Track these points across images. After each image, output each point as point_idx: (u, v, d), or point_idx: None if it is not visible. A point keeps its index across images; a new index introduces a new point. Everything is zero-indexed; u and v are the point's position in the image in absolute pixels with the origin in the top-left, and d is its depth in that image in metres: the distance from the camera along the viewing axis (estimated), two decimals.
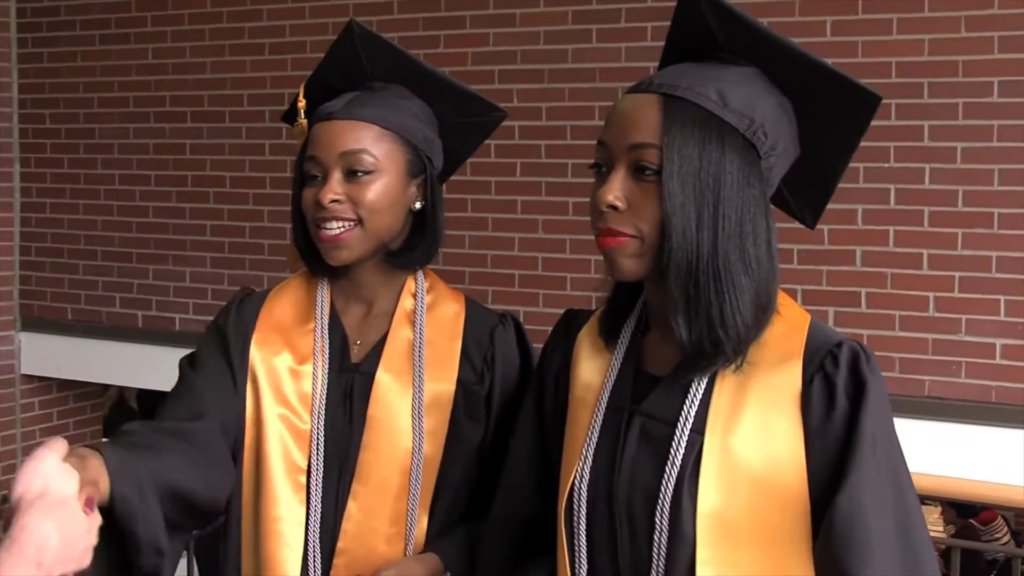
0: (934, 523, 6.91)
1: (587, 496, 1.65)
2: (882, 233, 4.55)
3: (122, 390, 8.58)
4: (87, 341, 6.37)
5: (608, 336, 1.75)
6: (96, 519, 1.51)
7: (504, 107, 2.20)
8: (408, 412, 2.02)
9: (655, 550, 1.58)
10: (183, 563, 5.81)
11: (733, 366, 1.58)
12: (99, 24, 6.21)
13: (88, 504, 1.50)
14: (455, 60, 5.14)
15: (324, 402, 2.03)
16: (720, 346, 1.56)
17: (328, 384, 2.04)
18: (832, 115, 1.66)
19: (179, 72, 6.00)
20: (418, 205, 2.06)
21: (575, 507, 1.66)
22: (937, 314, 4.50)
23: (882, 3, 4.51)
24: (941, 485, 4.38)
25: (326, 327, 2.08)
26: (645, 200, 1.55)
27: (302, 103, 2.10)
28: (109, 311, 6.29)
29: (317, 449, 2.01)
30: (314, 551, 1.98)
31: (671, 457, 1.58)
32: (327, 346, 2.06)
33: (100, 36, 6.21)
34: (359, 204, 1.97)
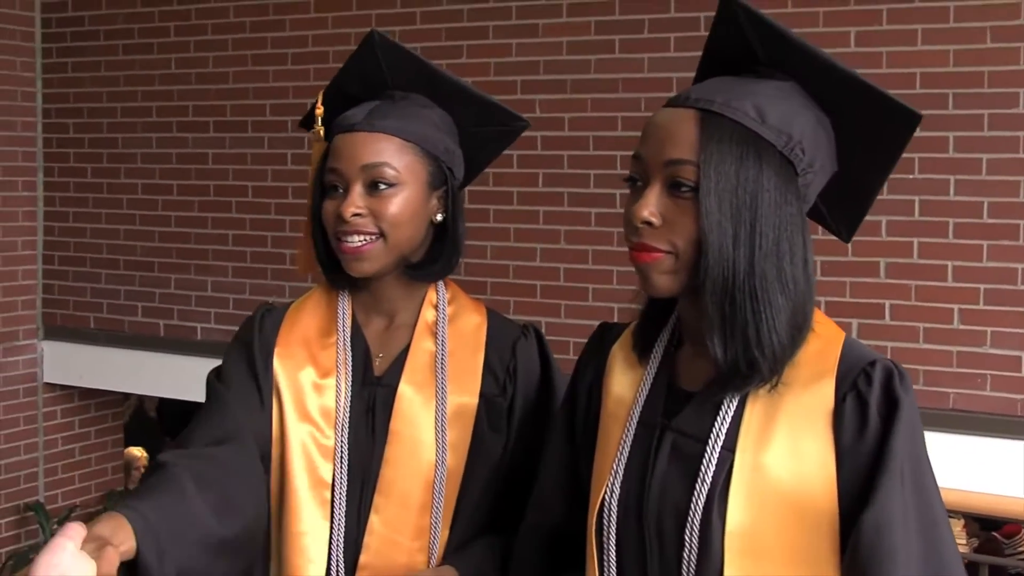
0: (956, 536, 6.85)
1: (617, 511, 1.64)
2: (906, 245, 4.52)
3: (142, 399, 8.60)
4: (109, 350, 6.38)
5: (641, 350, 1.74)
6: None
7: (526, 117, 2.19)
8: (431, 425, 2.01)
9: (684, 567, 1.56)
10: None
11: (768, 386, 1.56)
12: (123, 34, 6.23)
13: None
14: (478, 70, 5.14)
15: (347, 416, 2.02)
16: (756, 366, 1.54)
17: (351, 398, 2.03)
18: (871, 132, 1.64)
19: (202, 82, 6.01)
20: (439, 217, 2.05)
21: (605, 522, 1.65)
22: (962, 326, 4.46)
23: (907, 14, 4.48)
24: (966, 499, 4.34)
25: (348, 340, 2.07)
26: (681, 216, 1.54)
27: (320, 110, 2.09)
28: (131, 320, 6.30)
29: (340, 463, 2.00)
30: (337, 566, 1.97)
31: (701, 474, 1.57)
32: (350, 359, 2.05)
33: (124, 46, 6.23)
34: (381, 218, 1.96)
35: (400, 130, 2.00)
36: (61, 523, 6.51)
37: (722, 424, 1.58)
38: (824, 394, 1.56)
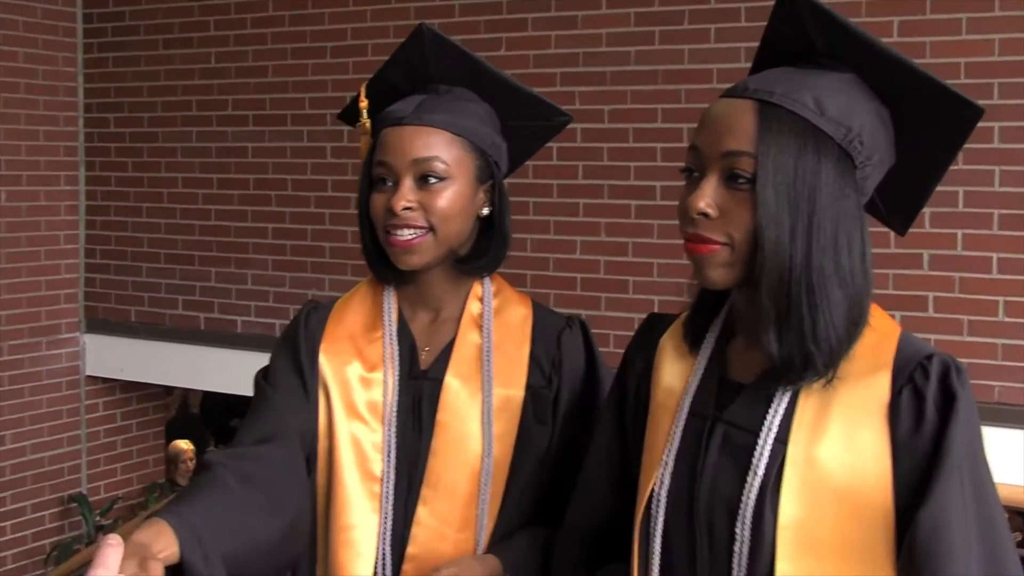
0: None
1: (666, 503, 1.63)
2: (950, 236, 4.48)
3: (186, 396, 8.66)
4: (150, 343, 6.44)
5: (692, 341, 1.72)
6: None
7: (565, 109, 2.17)
8: (477, 417, 2.00)
9: (735, 560, 1.55)
10: None
11: (823, 380, 1.54)
12: (163, 29, 6.26)
13: None
14: (517, 63, 5.13)
15: (395, 410, 2.02)
16: (811, 360, 1.52)
17: (398, 392, 2.03)
18: (932, 126, 1.61)
19: (241, 76, 6.04)
20: (485, 211, 2.05)
21: (653, 513, 1.64)
22: (1007, 319, 4.42)
23: (951, 3, 4.44)
24: (1011, 493, 4.29)
25: (395, 334, 2.07)
26: (737, 208, 1.52)
27: (364, 103, 2.08)
28: (172, 313, 6.34)
29: (388, 457, 2.00)
30: (384, 558, 1.98)
31: (753, 467, 1.55)
32: (396, 353, 2.05)
33: (164, 40, 6.27)
34: (431, 211, 1.96)
35: (449, 124, 1.99)
36: (104, 514, 6.58)
37: (774, 416, 1.56)
38: (880, 388, 1.54)
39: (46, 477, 6.50)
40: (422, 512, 1.99)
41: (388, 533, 1.98)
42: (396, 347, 2.06)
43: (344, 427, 2.01)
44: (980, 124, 1.61)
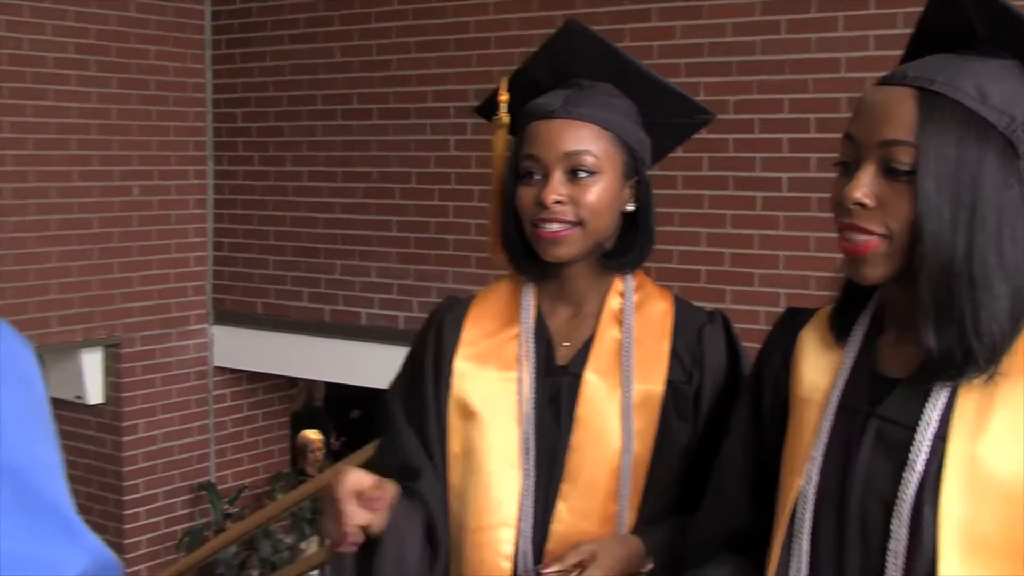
0: None
1: (813, 499, 1.60)
2: None
3: (311, 389, 8.79)
4: (275, 335, 6.54)
5: (838, 335, 1.69)
6: None
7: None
8: (616, 412, 1.99)
9: (889, 559, 1.51)
10: None
11: (984, 376, 1.50)
12: (289, 24, 6.35)
13: None
14: (641, 54, 5.01)
15: (532, 406, 2.02)
16: (972, 355, 1.47)
17: (535, 388, 2.03)
18: None
19: (365, 70, 6.10)
20: (630, 207, 2.03)
21: (799, 509, 1.60)
22: None
23: None
24: None
25: (531, 331, 2.06)
26: (896, 199, 1.48)
27: (504, 96, 2.08)
28: (297, 306, 6.43)
29: (527, 454, 2.00)
30: (524, 556, 1.97)
31: (910, 462, 1.51)
32: (532, 351, 2.05)
33: (290, 36, 6.36)
34: (580, 205, 1.94)
35: (599, 118, 1.98)
36: (232, 503, 6.70)
37: (932, 411, 1.52)
38: None
39: (176, 465, 6.66)
40: (561, 508, 1.98)
41: (529, 530, 1.98)
42: (532, 345, 2.05)
43: (481, 427, 2.02)
44: None
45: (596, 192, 1.95)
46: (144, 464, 6.50)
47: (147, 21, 6.35)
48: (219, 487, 6.76)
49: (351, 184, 6.16)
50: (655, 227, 2.08)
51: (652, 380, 2.01)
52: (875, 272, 1.52)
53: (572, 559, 1.89)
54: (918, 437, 1.51)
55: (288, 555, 6.27)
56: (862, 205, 1.50)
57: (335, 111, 6.20)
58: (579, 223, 1.95)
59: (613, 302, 2.06)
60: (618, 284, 2.07)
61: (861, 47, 4.62)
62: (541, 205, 1.95)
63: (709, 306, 2.15)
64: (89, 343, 6.33)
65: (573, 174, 1.95)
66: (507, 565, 1.97)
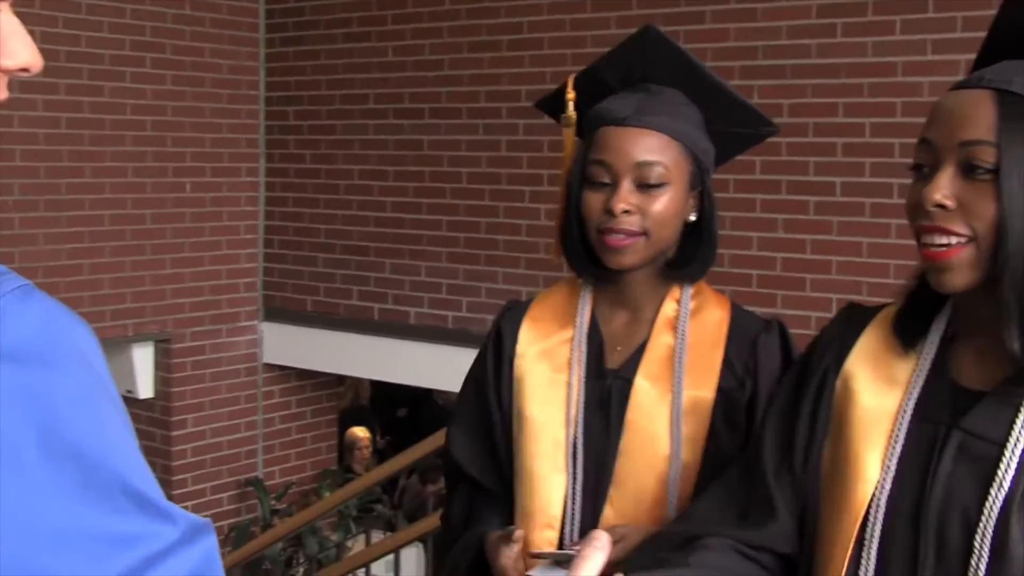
0: None
1: (885, 510, 1.57)
2: None
3: (357, 388, 8.81)
4: (325, 332, 6.56)
5: (907, 340, 1.66)
6: None
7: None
8: (666, 418, 1.98)
9: (969, 574, 1.48)
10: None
11: None
12: (342, 23, 6.37)
13: None
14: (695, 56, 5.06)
15: (583, 410, 2.02)
16: None
17: (585, 391, 2.03)
18: None
19: (418, 69, 6.10)
20: (692, 217, 2.02)
21: (870, 520, 1.58)
22: None
23: None
24: None
25: (584, 335, 2.06)
26: (977, 200, 1.46)
27: (572, 95, 2.07)
28: (346, 303, 6.45)
29: (576, 457, 2.00)
30: None
31: (998, 479, 1.48)
32: (584, 355, 2.05)
33: (342, 35, 6.38)
34: (648, 215, 1.94)
35: (670, 128, 1.97)
36: (279, 499, 6.74)
37: (1023, 427, 1.49)
38: None
39: (224, 460, 6.69)
40: (609, 512, 1.98)
41: (575, 534, 1.98)
42: (584, 349, 2.05)
43: (532, 429, 2.02)
44: None
45: (664, 203, 1.95)
46: (192, 459, 6.55)
47: (202, 19, 6.40)
48: (266, 483, 6.79)
49: (402, 183, 6.17)
50: (718, 238, 2.06)
51: (703, 387, 2.00)
52: (959, 280, 1.50)
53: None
54: (1007, 454, 1.48)
55: (334, 553, 6.28)
56: (942, 207, 1.48)
57: (387, 110, 6.22)
58: (644, 233, 1.95)
59: (669, 308, 2.05)
60: (675, 291, 2.07)
61: (919, 51, 4.57)
62: (609, 213, 1.94)
63: (765, 313, 2.12)
64: (140, 338, 6.39)
65: (643, 184, 1.94)
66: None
